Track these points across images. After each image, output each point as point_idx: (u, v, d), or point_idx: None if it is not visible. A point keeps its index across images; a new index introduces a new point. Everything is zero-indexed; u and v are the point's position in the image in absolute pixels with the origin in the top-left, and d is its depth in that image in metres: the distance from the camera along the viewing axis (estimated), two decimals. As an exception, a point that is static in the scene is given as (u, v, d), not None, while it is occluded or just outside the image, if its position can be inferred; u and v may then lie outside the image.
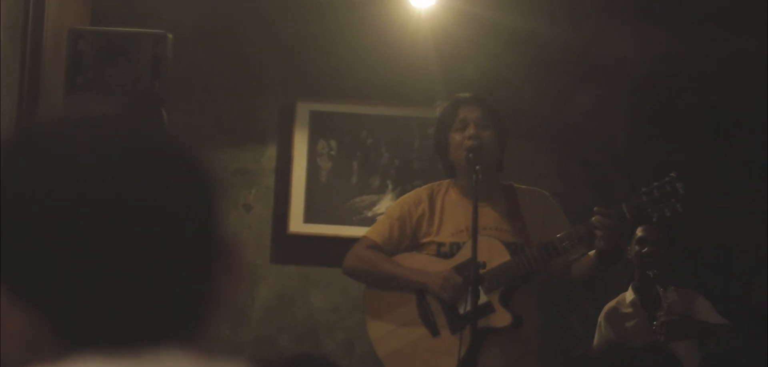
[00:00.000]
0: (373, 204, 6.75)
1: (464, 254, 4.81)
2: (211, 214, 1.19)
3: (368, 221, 6.15)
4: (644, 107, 6.87)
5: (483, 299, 4.70)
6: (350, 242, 5.23)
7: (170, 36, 4.79)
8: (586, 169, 6.85)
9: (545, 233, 4.85)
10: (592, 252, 4.78)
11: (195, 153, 1.20)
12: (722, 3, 6.72)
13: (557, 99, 6.89)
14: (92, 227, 1.09)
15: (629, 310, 5.74)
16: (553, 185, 6.68)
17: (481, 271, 4.66)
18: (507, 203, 4.89)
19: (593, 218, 4.65)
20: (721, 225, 7.04)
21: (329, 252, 6.41)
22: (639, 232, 5.63)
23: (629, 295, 5.78)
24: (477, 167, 4.65)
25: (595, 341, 5.85)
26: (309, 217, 6.83)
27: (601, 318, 5.83)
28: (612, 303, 5.86)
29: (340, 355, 6.62)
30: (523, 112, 6.81)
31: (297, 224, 6.82)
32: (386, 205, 6.42)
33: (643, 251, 5.63)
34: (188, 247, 1.15)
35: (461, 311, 4.81)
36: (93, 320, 1.10)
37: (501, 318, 4.75)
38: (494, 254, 4.73)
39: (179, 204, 1.15)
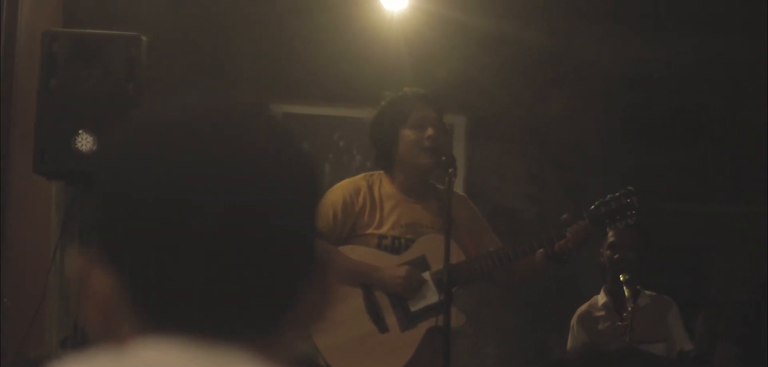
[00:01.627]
0: (346, 206, 6.78)
1: (415, 251, 4.78)
2: (313, 226, 1.19)
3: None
4: (617, 110, 6.90)
5: (436, 298, 4.68)
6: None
7: (144, 38, 4.76)
8: (559, 172, 6.87)
9: (474, 234, 4.85)
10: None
11: (313, 165, 1.20)
12: (695, 7, 6.75)
13: (530, 101, 6.91)
14: (196, 215, 1.09)
15: (602, 313, 5.75)
16: (526, 187, 6.71)
17: (435, 270, 4.68)
18: (437, 202, 4.83)
19: (564, 219, 4.69)
20: (694, 227, 7.08)
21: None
22: (610, 236, 5.64)
23: (601, 298, 5.80)
24: (450, 170, 4.62)
25: (569, 344, 5.86)
26: (281, 219, 6.81)
27: (573, 321, 5.85)
28: (584, 307, 5.88)
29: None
30: (496, 115, 6.84)
31: (269, 226, 6.81)
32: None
33: (615, 257, 5.65)
34: (286, 254, 1.14)
35: (413, 308, 4.76)
36: (176, 306, 1.10)
37: (455, 318, 4.71)
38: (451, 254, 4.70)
39: (289, 210, 1.14)
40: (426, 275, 4.74)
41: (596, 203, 4.80)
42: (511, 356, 6.89)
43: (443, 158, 4.66)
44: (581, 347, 5.67)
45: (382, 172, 4.94)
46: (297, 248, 1.15)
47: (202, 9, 6.88)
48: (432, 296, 4.69)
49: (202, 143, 1.13)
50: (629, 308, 5.42)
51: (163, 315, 1.10)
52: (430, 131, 4.73)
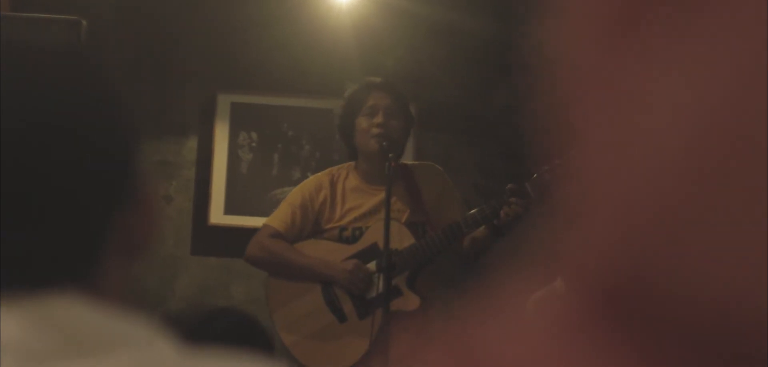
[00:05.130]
0: (294, 196, 6.78)
1: (367, 240, 4.84)
2: (122, 152, 1.14)
3: (288, 213, 6.13)
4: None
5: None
6: (271, 233, 5.20)
7: (84, 22, 4.74)
8: (507, 163, 6.87)
9: (441, 208, 4.91)
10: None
11: (116, 87, 1.16)
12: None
13: (478, 92, 6.91)
14: None
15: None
16: (474, 177, 6.71)
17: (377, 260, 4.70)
18: (404, 183, 4.89)
19: (510, 189, 4.71)
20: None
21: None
22: None
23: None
24: (390, 155, 4.66)
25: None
26: (229, 208, 6.80)
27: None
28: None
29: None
30: (444, 105, 6.83)
31: (218, 215, 6.79)
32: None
33: None
34: (90, 184, 1.09)
35: (368, 296, 4.81)
36: None
37: (409, 302, 4.77)
38: (397, 238, 4.74)
39: (86, 136, 1.09)
40: (374, 264, 4.79)
41: (540, 170, 4.80)
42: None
43: (384, 144, 4.70)
44: None
45: (351, 164, 5.05)
46: (102, 175, 1.11)
47: (149, -4, 6.85)
48: (378, 285, 4.72)
49: None
50: None
51: None
52: (378, 118, 4.79)
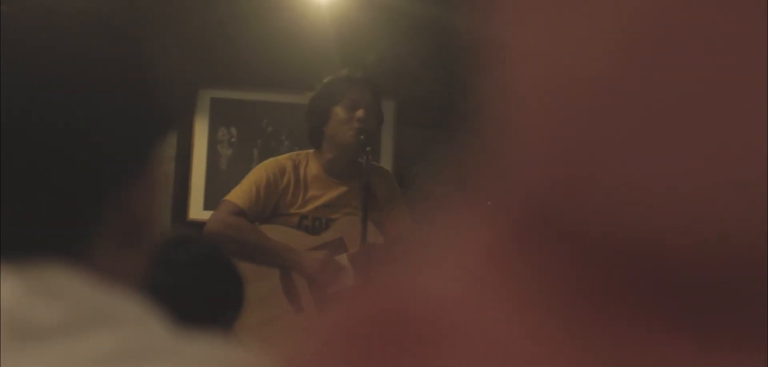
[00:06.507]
0: (273, 191, 6.76)
1: (333, 232, 4.79)
2: (131, 136, 1.13)
3: (267, 208, 6.12)
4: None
5: (352, 280, 4.67)
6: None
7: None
8: (489, 159, 6.87)
9: (390, 211, 4.86)
10: None
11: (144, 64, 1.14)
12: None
13: (459, 87, 6.91)
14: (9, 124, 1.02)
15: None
16: (454, 173, 6.71)
17: (352, 252, 4.67)
18: (360, 181, 4.85)
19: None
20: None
21: (228, 239, 6.38)
22: None
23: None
24: (368, 148, 4.64)
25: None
26: (209, 204, 6.78)
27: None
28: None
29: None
30: (425, 100, 6.82)
31: (197, 210, 6.77)
32: (286, 192, 6.40)
33: None
34: (87, 164, 1.08)
35: (329, 289, 4.76)
36: None
37: None
38: (373, 236, 4.72)
39: (90, 118, 1.08)
40: (343, 257, 4.75)
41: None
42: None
43: (362, 137, 4.68)
44: None
45: (310, 151, 4.95)
46: (101, 155, 1.09)
47: (128, -9, 6.82)
48: (349, 278, 4.69)
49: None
50: None
51: None
52: (360, 113, 4.76)
